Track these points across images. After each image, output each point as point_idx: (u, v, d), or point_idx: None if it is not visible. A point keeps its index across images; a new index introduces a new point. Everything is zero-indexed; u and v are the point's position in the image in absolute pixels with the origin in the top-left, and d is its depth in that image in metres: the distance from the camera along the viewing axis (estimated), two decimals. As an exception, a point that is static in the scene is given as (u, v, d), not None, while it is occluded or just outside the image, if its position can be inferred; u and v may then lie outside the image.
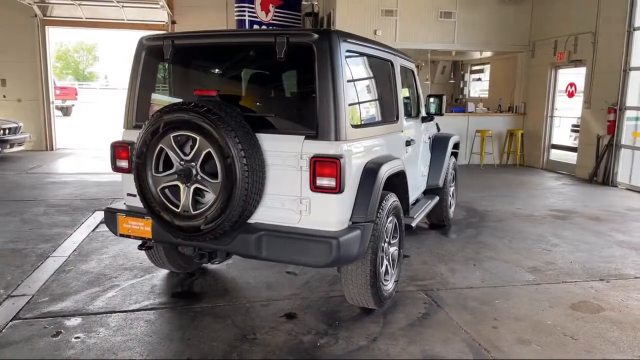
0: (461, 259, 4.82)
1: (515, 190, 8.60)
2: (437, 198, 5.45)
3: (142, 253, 4.71)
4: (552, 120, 10.99)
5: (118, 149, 3.55)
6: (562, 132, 11.51)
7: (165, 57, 3.39)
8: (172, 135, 3.00)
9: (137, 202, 3.51)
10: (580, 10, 9.66)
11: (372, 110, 3.75)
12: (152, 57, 3.51)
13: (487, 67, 13.24)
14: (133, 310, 3.59)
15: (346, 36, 3.22)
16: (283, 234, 3.04)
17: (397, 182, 3.73)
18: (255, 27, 10.76)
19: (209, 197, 3.03)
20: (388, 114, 3.98)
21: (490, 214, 6.69)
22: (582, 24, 9.62)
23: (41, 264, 4.53)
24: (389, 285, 3.67)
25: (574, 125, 11.29)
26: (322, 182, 2.97)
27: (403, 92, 4.43)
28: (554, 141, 11.15)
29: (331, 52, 3.00)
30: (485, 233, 5.75)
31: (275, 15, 11.10)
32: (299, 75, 3.25)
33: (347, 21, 10.28)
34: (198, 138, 2.92)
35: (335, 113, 2.99)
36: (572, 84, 10.41)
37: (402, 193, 3.83)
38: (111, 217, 3.58)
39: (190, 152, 2.98)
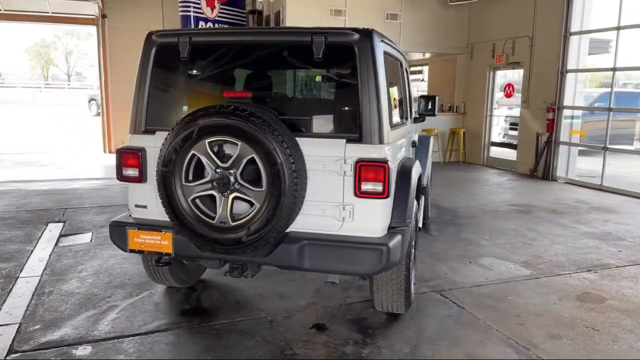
0: (455, 257, 4.90)
1: (470, 186, 8.95)
2: (423, 197, 5.50)
3: (128, 268, 4.39)
4: (491, 120, 11.56)
5: (125, 156, 3.21)
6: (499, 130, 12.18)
7: (182, 56, 3.11)
8: (207, 141, 2.75)
9: (147, 215, 3.23)
10: (517, 15, 10.22)
11: (396, 112, 3.69)
12: (165, 55, 3.21)
13: (426, 68, 13.67)
14: (147, 333, 3.27)
15: (382, 36, 3.14)
16: (328, 243, 2.90)
17: None
18: (201, 23, 10.35)
19: (243, 206, 2.82)
20: (403, 115, 3.95)
21: (460, 211, 6.89)
22: (519, 28, 10.19)
23: (12, 286, 4.01)
24: (412, 289, 3.64)
25: (512, 124, 11.97)
26: (368, 187, 2.86)
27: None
28: (493, 139, 11.76)
29: (373, 53, 2.89)
30: (464, 230, 5.90)
31: (220, 12, 10.73)
32: (338, 76, 3.11)
33: (297, 20, 10.17)
34: (239, 144, 2.69)
35: (379, 115, 2.89)
36: (510, 85, 11.02)
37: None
38: (118, 231, 3.23)
39: (228, 159, 2.75)
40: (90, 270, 4.38)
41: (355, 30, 2.91)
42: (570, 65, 9.29)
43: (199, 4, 10.25)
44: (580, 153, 10.00)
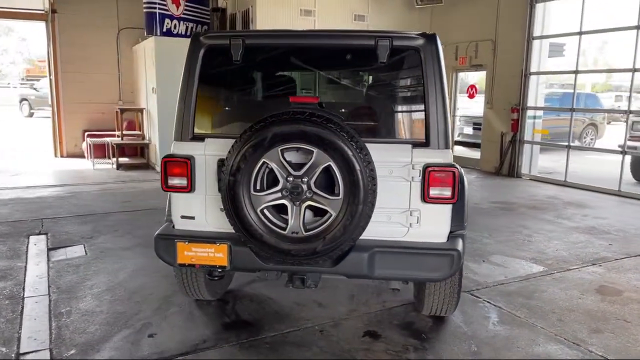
0: (467, 257, 4.98)
1: (444, 185, 9.18)
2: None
3: (144, 281, 4.18)
4: (454, 120, 11.92)
5: (172, 165, 3.01)
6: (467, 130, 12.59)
7: (235, 59, 2.96)
8: (279, 149, 2.63)
9: (195, 226, 3.08)
10: (481, 20, 10.57)
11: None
12: (214, 57, 3.04)
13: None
14: (196, 351, 3.10)
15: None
16: (399, 250, 2.86)
17: None
18: (167, 21, 9.96)
19: (314, 215, 2.73)
20: None
21: (448, 209, 7.03)
22: (482, 32, 10.57)
23: (22, 308, 3.67)
24: (459, 291, 3.66)
25: (475, 124, 12.41)
26: (436, 192, 2.85)
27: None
28: (456, 138, 12.15)
29: (438, 57, 2.89)
30: (462, 229, 6.03)
31: (185, 10, 10.40)
32: (402, 80, 3.07)
33: (267, 20, 10.01)
34: (315, 151, 2.60)
35: (445, 120, 2.89)
36: (472, 86, 11.42)
37: None
38: (165, 245, 3.03)
39: (301, 167, 2.65)
40: (103, 286, 4.08)
41: (421, 34, 2.89)
42: (533, 67, 9.76)
43: (164, 1, 9.85)
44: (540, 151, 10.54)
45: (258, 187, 2.71)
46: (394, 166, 2.85)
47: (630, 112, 8.66)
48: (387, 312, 3.69)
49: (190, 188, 3.02)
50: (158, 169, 9.84)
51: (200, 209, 3.07)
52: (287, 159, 2.65)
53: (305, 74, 3.18)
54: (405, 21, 11.57)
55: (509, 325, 3.51)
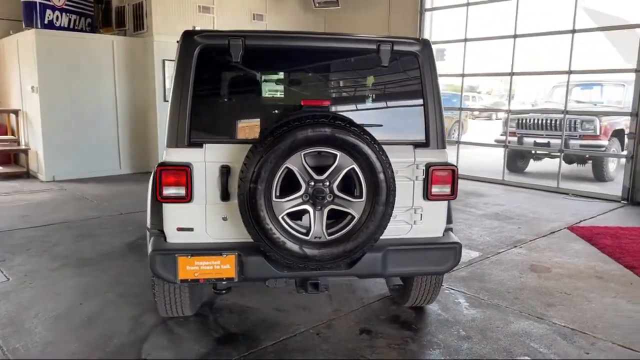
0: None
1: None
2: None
3: (96, 304, 3.77)
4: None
5: (168, 174, 2.79)
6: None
7: (235, 60, 2.83)
8: (302, 153, 2.59)
9: (194, 238, 2.90)
10: (374, 25, 11.10)
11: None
12: (210, 58, 2.87)
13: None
14: (203, 371, 2.91)
15: None
16: (409, 247, 2.98)
17: None
18: (49, 12, 8.94)
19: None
20: None
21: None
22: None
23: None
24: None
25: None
26: (437, 189, 3.03)
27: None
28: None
29: (433, 62, 3.06)
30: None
31: (67, 0, 9.40)
32: (402, 84, 3.16)
33: (164, 15, 9.49)
34: (338, 154, 2.61)
35: (442, 121, 3.08)
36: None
37: None
38: (164, 261, 2.80)
39: (324, 171, 2.63)
40: (51, 313, 3.61)
41: (418, 40, 3.04)
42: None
43: (45, -10, 8.83)
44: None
45: (278, 194, 2.64)
46: (399, 166, 2.95)
47: (510, 111, 9.82)
48: (368, 308, 3.79)
49: (189, 198, 2.82)
50: (43, 178, 8.82)
51: (199, 220, 2.88)
52: (318, 163, 2.62)
53: (307, 76, 3.13)
54: (300, 22, 11.74)
55: (479, 308, 3.83)
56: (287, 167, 2.60)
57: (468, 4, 9.54)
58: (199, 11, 9.98)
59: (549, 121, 9.82)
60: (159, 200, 2.81)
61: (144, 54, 9.76)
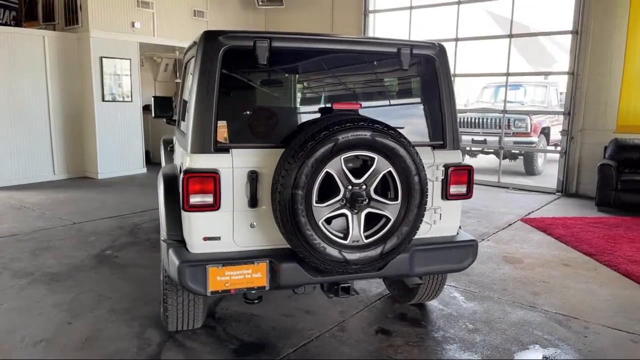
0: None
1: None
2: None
3: (88, 322, 3.53)
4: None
5: (196, 181, 2.65)
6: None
7: (261, 62, 2.74)
8: (342, 157, 2.58)
9: (220, 247, 2.79)
10: (316, 24, 11.16)
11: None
12: (236, 60, 2.75)
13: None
14: (234, 385, 2.80)
15: None
16: (433, 247, 3.05)
17: None
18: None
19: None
20: None
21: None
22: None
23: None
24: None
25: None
26: (455, 189, 3.13)
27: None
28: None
29: (448, 65, 3.15)
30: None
31: (-10, -9, 8.58)
32: (420, 86, 3.21)
33: (99, 9, 8.93)
34: (376, 157, 2.62)
35: (455, 123, 3.18)
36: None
37: None
38: (194, 273, 2.66)
39: (361, 174, 2.63)
40: (41, 336, 3.30)
41: (434, 44, 3.11)
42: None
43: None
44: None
45: (316, 199, 2.60)
46: None
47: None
48: (374, 308, 3.83)
49: (218, 206, 2.70)
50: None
51: (227, 228, 2.77)
52: (355, 167, 2.61)
53: (332, 79, 3.09)
54: (241, 20, 11.55)
55: (475, 301, 4.00)
56: (326, 172, 2.56)
57: (411, 8, 9.87)
58: (138, 6, 9.51)
59: (485, 120, 10.42)
60: (185, 210, 2.66)
61: (79, 51, 9.13)
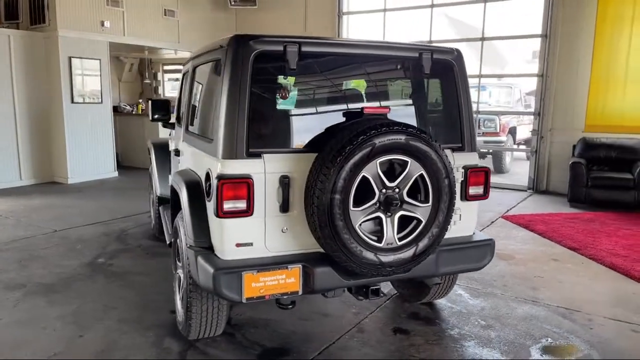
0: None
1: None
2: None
3: (99, 334, 3.42)
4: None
5: (229, 187, 2.62)
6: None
7: (291, 67, 2.73)
8: (378, 161, 2.61)
9: (252, 253, 2.78)
10: (289, 25, 11.10)
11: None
12: (266, 64, 2.74)
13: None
14: (268, 391, 2.78)
15: None
16: (456, 247, 3.13)
17: None
18: None
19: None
20: None
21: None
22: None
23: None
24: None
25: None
26: (474, 191, 3.22)
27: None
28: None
29: (465, 69, 3.23)
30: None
31: (-53, -14, 8.10)
32: (440, 90, 3.27)
33: (68, 8, 8.60)
34: (409, 161, 2.67)
35: (472, 125, 3.27)
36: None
37: None
38: (229, 280, 2.63)
39: (395, 178, 2.67)
40: (52, 350, 3.16)
41: (452, 49, 3.19)
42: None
43: None
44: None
45: (353, 203, 2.62)
46: None
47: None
48: (385, 308, 3.88)
49: (251, 211, 2.67)
50: None
51: (259, 234, 2.75)
52: (389, 171, 2.64)
53: (359, 83, 3.11)
54: (212, 20, 11.39)
55: (480, 298, 4.12)
56: (363, 176, 2.58)
57: (385, 10, 10.01)
58: (108, 4, 9.21)
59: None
60: (220, 216, 2.62)
61: (46, 51, 8.76)
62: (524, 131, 12.80)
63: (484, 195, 3.26)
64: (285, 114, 2.98)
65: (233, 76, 2.68)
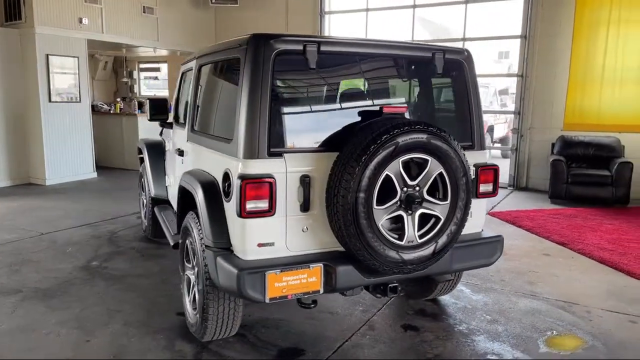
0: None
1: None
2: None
3: (108, 339, 3.34)
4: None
5: (252, 187, 2.60)
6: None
7: (310, 66, 2.74)
8: (400, 160, 2.64)
9: (274, 253, 2.77)
10: (270, 24, 11.05)
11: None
12: (286, 64, 2.73)
13: (165, 66, 13.11)
14: (290, 391, 2.77)
15: None
16: (468, 243, 3.18)
17: None
18: None
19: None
20: None
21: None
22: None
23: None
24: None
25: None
26: (484, 188, 3.29)
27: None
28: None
29: (474, 69, 3.30)
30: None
31: None
32: (450, 90, 3.31)
33: (45, 5, 8.34)
34: (430, 159, 2.71)
35: (482, 124, 3.34)
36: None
37: None
38: (254, 280, 2.61)
39: (416, 176, 2.70)
40: (60, 355, 3.08)
41: (463, 49, 3.25)
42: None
43: None
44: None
45: (376, 201, 2.64)
46: None
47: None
48: (391, 305, 3.92)
49: (274, 211, 2.67)
50: None
51: (280, 233, 2.75)
52: (410, 169, 2.68)
53: (376, 82, 3.13)
54: (191, 17, 11.26)
55: (482, 293, 4.21)
56: (386, 175, 2.61)
57: (367, 10, 10.07)
58: (86, 1, 8.98)
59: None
60: (243, 216, 2.60)
61: (22, 48, 8.49)
62: (500, 130, 13.13)
63: (493, 193, 3.33)
64: (305, 113, 2.97)
65: (254, 75, 2.66)
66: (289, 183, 2.72)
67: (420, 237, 2.78)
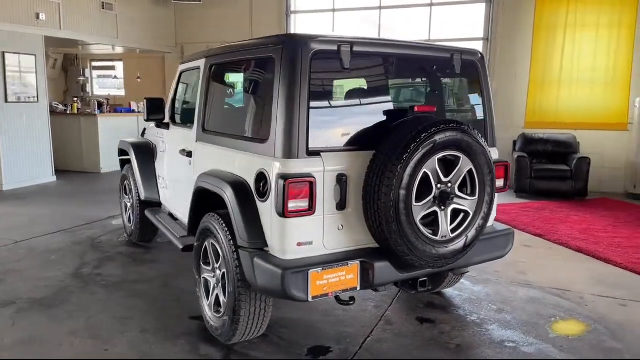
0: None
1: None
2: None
3: (124, 347, 3.24)
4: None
5: (295, 187, 2.61)
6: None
7: (345, 66, 2.78)
8: (437, 157, 2.73)
9: (312, 252, 2.81)
10: (233, 23, 10.86)
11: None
12: (322, 64, 2.75)
13: (120, 64, 12.64)
14: (331, 388, 2.80)
15: None
16: (485, 237, 3.30)
17: None
18: None
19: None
20: None
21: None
22: (236, 35, 10.91)
23: None
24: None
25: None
26: (497, 184, 3.43)
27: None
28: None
29: (486, 69, 3.45)
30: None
31: None
32: (466, 89, 3.43)
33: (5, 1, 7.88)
34: (461, 157, 2.82)
35: (493, 122, 3.49)
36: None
37: None
38: (297, 279, 2.62)
39: (448, 173, 2.80)
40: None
41: (476, 51, 3.39)
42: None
43: None
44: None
45: (415, 198, 2.72)
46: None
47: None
48: (400, 299, 4.02)
49: (314, 210, 2.69)
50: None
51: (318, 232, 2.77)
52: (443, 166, 2.77)
53: (404, 82, 3.19)
54: (152, 15, 10.96)
55: (481, 284, 4.39)
56: (424, 172, 2.69)
57: (334, 10, 10.17)
58: (44, -4, 8.52)
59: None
60: (285, 216, 2.60)
61: (-26, 45, 7.94)
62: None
63: (504, 188, 3.49)
64: (339, 113, 3.00)
65: (292, 75, 2.66)
66: (327, 182, 2.74)
67: (452, 231, 2.88)
